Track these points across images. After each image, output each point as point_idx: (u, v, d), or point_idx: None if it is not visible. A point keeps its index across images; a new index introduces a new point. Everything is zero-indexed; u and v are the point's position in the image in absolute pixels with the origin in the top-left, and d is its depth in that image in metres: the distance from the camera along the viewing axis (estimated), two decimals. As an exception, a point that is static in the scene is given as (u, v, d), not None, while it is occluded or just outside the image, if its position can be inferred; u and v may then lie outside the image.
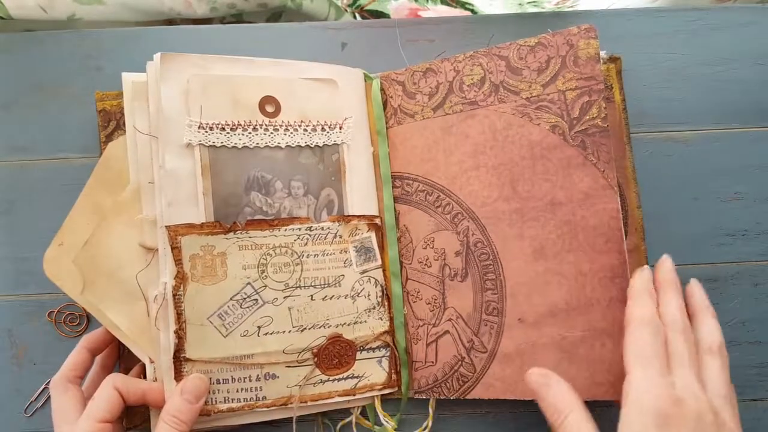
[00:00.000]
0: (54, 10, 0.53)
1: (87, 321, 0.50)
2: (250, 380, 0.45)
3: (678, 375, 0.37)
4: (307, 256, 0.47)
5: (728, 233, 0.51)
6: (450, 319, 0.48)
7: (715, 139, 0.52)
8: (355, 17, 0.66)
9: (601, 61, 0.50)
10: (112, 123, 0.50)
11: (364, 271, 0.48)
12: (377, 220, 0.49)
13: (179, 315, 0.43)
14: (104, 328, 0.45)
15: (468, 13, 0.62)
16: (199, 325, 0.43)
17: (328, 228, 0.47)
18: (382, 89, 0.51)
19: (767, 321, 0.50)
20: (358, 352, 0.48)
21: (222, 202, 0.45)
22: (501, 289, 0.46)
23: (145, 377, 0.45)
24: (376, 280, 0.49)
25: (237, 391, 0.44)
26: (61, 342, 0.49)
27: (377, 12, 0.65)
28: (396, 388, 0.49)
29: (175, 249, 0.43)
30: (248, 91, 0.46)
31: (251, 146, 0.46)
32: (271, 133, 0.47)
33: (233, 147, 0.45)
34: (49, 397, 0.43)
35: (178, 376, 0.43)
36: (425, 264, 0.49)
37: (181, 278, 0.43)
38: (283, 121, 0.47)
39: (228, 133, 0.45)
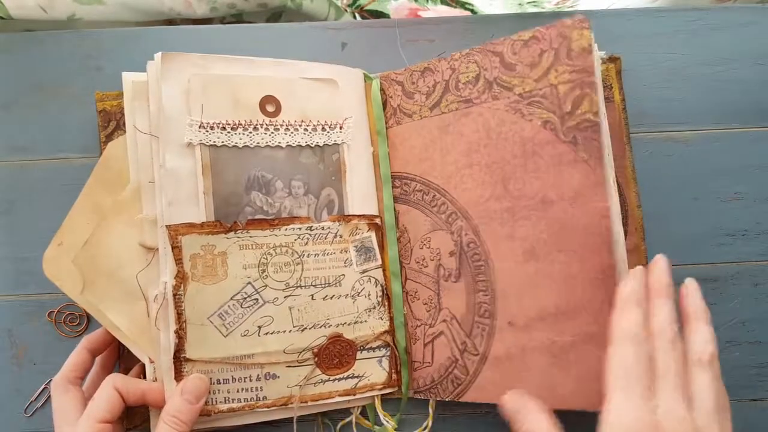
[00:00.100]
0: (54, 10, 0.53)
1: (87, 321, 0.50)
2: (251, 380, 0.45)
3: (662, 398, 0.34)
4: (308, 256, 0.47)
5: (728, 233, 0.51)
6: (445, 320, 0.48)
7: (715, 139, 0.52)
8: (355, 17, 0.66)
9: (601, 61, 0.50)
10: (112, 123, 0.50)
11: (364, 271, 0.48)
12: (377, 220, 0.49)
13: (179, 315, 0.43)
14: (105, 328, 0.45)
15: (468, 13, 0.62)
16: (199, 324, 0.43)
17: (329, 228, 0.47)
18: (381, 89, 0.51)
19: (767, 321, 0.50)
20: (359, 352, 0.48)
21: (222, 202, 0.45)
22: (492, 291, 0.46)
23: (144, 377, 0.45)
24: (376, 279, 0.49)
25: (237, 391, 0.44)
26: (61, 342, 0.49)
27: (377, 12, 0.65)
28: (396, 388, 0.49)
29: (176, 248, 0.43)
30: (249, 91, 0.46)
31: (252, 146, 0.46)
32: (272, 132, 0.47)
33: (234, 146, 0.45)
34: (49, 397, 0.43)
35: (179, 376, 0.43)
36: (422, 264, 0.49)
37: (181, 278, 0.43)
38: (283, 121, 0.47)
39: (228, 132, 0.45)
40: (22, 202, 0.51)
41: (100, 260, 0.45)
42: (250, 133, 0.46)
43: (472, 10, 0.62)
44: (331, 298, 0.47)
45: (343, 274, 0.48)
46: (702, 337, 0.37)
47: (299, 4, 0.60)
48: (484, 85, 0.46)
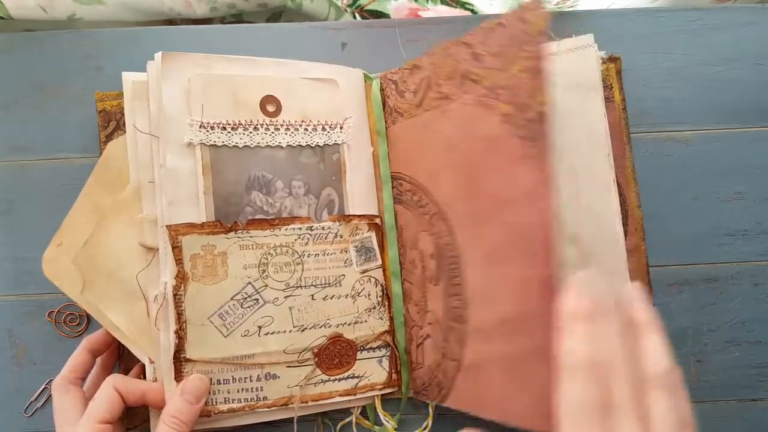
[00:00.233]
0: (54, 10, 0.53)
1: (87, 321, 0.50)
2: (251, 380, 0.45)
3: (616, 430, 0.31)
4: (308, 256, 0.46)
5: (728, 233, 0.51)
6: (431, 323, 0.47)
7: (715, 139, 0.52)
8: (355, 17, 0.66)
9: (601, 61, 0.50)
10: (112, 123, 0.50)
11: (364, 271, 0.48)
12: (377, 220, 0.49)
13: (180, 315, 0.43)
14: (105, 329, 0.45)
15: (468, 13, 0.62)
16: (199, 325, 0.43)
17: (329, 228, 0.47)
18: (381, 89, 0.51)
19: (767, 321, 0.50)
20: (359, 352, 0.48)
21: (223, 202, 0.45)
22: (464, 295, 0.44)
23: (144, 378, 0.45)
24: (376, 279, 0.49)
25: (237, 391, 0.44)
26: (61, 342, 0.49)
27: (377, 12, 0.65)
28: (396, 388, 0.49)
29: (176, 248, 0.43)
30: (249, 91, 0.46)
31: (252, 146, 0.46)
32: (272, 132, 0.47)
33: (234, 146, 0.45)
34: (50, 397, 0.43)
35: (179, 376, 0.43)
36: (414, 265, 0.49)
37: (181, 278, 0.43)
38: (283, 121, 0.47)
39: (229, 132, 0.45)
40: (22, 202, 0.51)
41: (100, 260, 0.45)
42: (251, 133, 0.46)
43: (472, 10, 0.62)
44: (332, 298, 0.47)
45: (344, 274, 0.48)
46: (654, 351, 0.33)
47: (299, 4, 0.60)
48: (459, 79, 0.44)
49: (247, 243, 0.45)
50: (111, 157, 0.47)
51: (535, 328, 0.38)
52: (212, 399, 0.44)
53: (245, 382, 0.44)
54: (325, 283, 0.47)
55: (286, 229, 0.46)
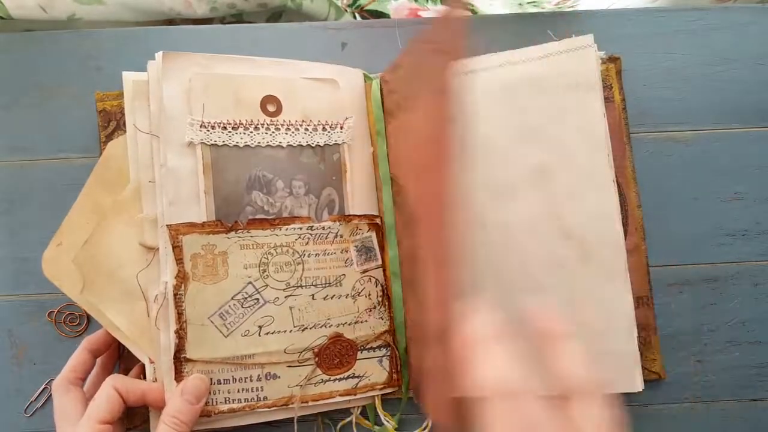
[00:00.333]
0: (54, 10, 0.53)
1: (87, 321, 0.50)
2: (251, 380, 0.44)
3: None
4: (308, 256, 0.46)
5: (728, 233, 0.51)
6: (410, 326, 0.48)
7: (715, 139, 0.52)
8: (355, 17, 0.66)
9: (601, 61, 0.50)
10: (112, 123, 0.50)
11: (364, 271, 0.48)
12: (377, 220, 0.49)
13: (180, 315, 0.43)
14: (105, 329, 0.45)
15: (468, 13, 0.62)
16: (200, 324, 0.43)
17: (329, 227, 0.47)
18: (381, 89, 0.51)
19: (767, 321, 0.50)
20: (359, 352, 0.48)
21: (223, 201, 0.45)
22: (419, 301, 0.43)
23: (144, 378, 0.45)
24: (376, 279, 0.49)
25: (238, 391, 0.44)
26: (61, 342, 0.49)
27: (377, 12, 0.65)
28: (396, 388, 0.49)
29: (177, 248, 0.43)
30: (250, 91, 0.46)
31: (253, 145, 0.46)
32: (273, 132, 0.47)
33: (235, 146, 0.45)
34: (50, 397, 0.43)
35: (179, 376, 0.43)
36: (403, 266, 0.49)
37: (182, 277, 0.43)
38: (284, 121, 0.47)
39: (230, 132, 0.45)
40: (22, 202, 0.51)
41: (100, 260, 0.45)
42: (251, 132, 0.46)
43: (472, 10, 0.62)
44: (332, 298, 0.47)
45: (344, 274, 0.48)
46: (570, 361, 0.32)
47: (299, 4, 0.60)
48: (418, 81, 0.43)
49: (248, 243, 0.45)
50: (111, 156, 0.47)
51: (436, 346, 0.36)
52: (212, 399, 0.44)
53: (245, 382, 0.44)
54: (326, 283, 0.47)
55: (287, 229, 0.46)
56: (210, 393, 0.43)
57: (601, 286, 0.45)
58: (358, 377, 0.47)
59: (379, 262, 0.49)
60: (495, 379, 0.29)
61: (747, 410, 0.49)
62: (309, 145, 0.48)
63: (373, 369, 0.48)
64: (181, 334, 0.43)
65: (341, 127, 0.49)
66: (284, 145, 0.47)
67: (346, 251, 0.48)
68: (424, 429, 0.49)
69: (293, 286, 0.46)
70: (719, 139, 0.52)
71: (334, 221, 0.47)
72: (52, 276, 0.45)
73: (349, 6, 0.65)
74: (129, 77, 0.47)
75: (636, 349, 0.44)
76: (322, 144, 0.48)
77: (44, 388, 0.49)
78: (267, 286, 0.45)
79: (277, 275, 0.45)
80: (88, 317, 0.50)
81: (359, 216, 0.48)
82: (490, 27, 0.53)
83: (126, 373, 0.47)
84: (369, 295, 0.48)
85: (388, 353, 0.49)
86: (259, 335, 0.45)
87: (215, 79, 0.45)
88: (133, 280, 0.45)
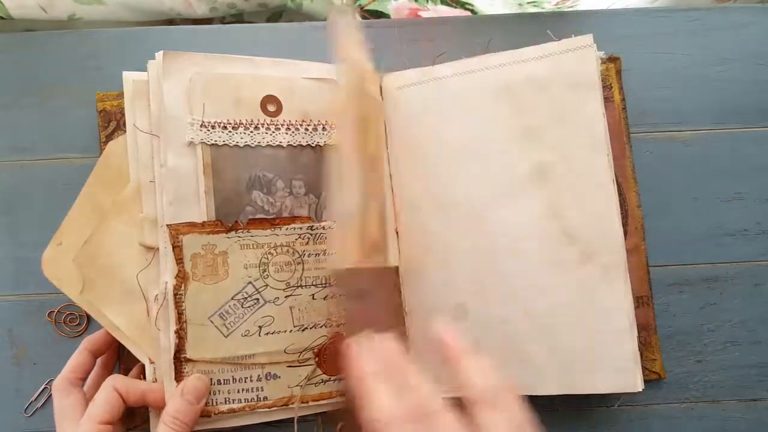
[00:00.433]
0: (54, 10, 0.53)
1: (87, 321, 0.50)
2: (251, 380, 0.44)
3: None
4: (309, 256, 0.46)
5: (728, 233, 0.51)
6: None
7: (715, 139, 0.52)
8: (355, 17, 0.66)
9: (601, 61, 0.50)
10: (112, 123, 0.50)
11: (365, 271, 0.48)
12: (378, 220, 0.49)
13: (180, 315, 0.43)
14: (105, 329, 0.45)
15: (468, 13, 0.62)
16: (200, 324, 0.43)
17: (330, 227, 0.47)
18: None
19: (767, 321, 0.50)
20: (359, 352, 0.48)
21: (223, 201, 0.45)
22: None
23: (144, 378, 0.45)
24: (376, 279, 0.49)
25: (238, 391, 0.44)
26: (61, 342, 0.49)
27: (377, 12, 0.65)
28: (397, 388, 0.49)
29: (177, 248, 0.43)
30: (250, 90, 0.46)
31: (253, 145, 0.46)
32: (273, 132, 0.47)
33: (235, 146, 0.45)
34: (50, 397, 0.43)
35: (179, 376, 0.42)
36: None
37: (182, 277, 0.43)
38: (284, 121, 0.47)
39: (230, 131, 0.45)
40: (22, 202, 0.51)
41: (100, 260, 0.45)
42: (251, 132, 0.46)
43: (472, 10, 0.62)
44: (332, 297, 0.47)
45: (344, 274, 0.48)
46: (473, 372, 0.33)
47: (299, 4, 0.60)
48: None
49: (248, 242, 0.45)
50: (111, 156, 0.47)
51: None
52: (212, 399, 0.44)
53: (246, 382, 0.44)
54: (326, 283, 0.47)
55: (287, 229, 0.46)
56: (210, 393, 0.43)
57: (601, 286, 0.45)
58: (358, 377, 0.47)
59: (379, 262, 0.49)
60: (379, 416, 0.31)
61: (747, 410, 0.49)
62: (309, 144, 0.48)
63: (373, 369, 0.48)
64: (181, 334, 0.43)
65: (341, 127, 0.49)
66: (284, 145, 0.47)
67: (347, 251, 0.48)
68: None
69: (293, 286, 0.46)
70: (719, 139, 0.52)
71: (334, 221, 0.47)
72: (52, 276, 0.45)
73: (349, 6, 0.65)
74: (129, 77, 0.47)
75: (636, 349, 0.44)
76: (322, 144, 0.48)
77: (44, 388, 0.49)
78: (267, 286, 0.45)
79: (278, 275, 0.45)
80: (88, 317, 0.50)
81: (359, 216, 0.48)
82: (490, 27, 0.53)
83: (126, 373, 0.47)
84: (369, 295, 0.48)
85: (388, 353, 0.49)
86: (259, 335, 0.45)
87: (215, 78, 0.45)
88: (133, 280, 0.45)
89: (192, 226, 0.43)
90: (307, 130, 0.48)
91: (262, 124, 0.46)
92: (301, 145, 0.47)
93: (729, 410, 0.49)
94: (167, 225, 0.43)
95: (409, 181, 0.49)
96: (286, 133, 0.47)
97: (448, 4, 0.63)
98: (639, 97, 0.52)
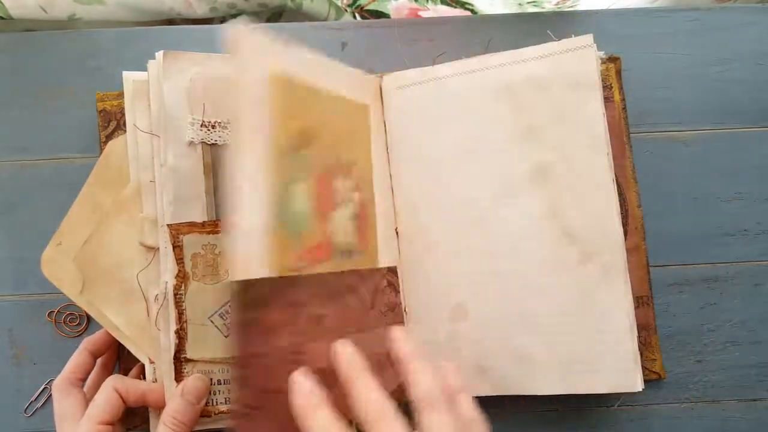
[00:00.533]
0: (54, 9, 0.53)
1: (87, 321, 0.50)
2: (251, 380, 0.44)
3: None
4: (309, 256, 0.46)
5: (728, 233, 0.51)
6: None
7: (715, 139, 0.52)
8: (355, 17, 0.66)
9: (601, 61, 0.50)
10: (112, 123, 0.50)
11: (365, 271, 0.48)
12: (378, 220, 0.49)
13: (180, 314, 0.43)
14: (105, 329, 0.45)
15: (468, 13, 0.62)
16: (200, 324, 0.43)
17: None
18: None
19: (767, 321, 0.50)
20: (359, 352, 0.48)
21: (224, 201, 0.45)
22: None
23: (144, 378, 0.45)
24: (376, 279, 0.49)
25: (238, 391, 0.44)
26: (61, 342, 0.49)
27: (377, 12, 0.65)
28: (397, 388, 0.49)
29: (177, 248, 0.43)
30: (249, 91, 0.46)
31: (253, 145, 0.46)
32: (273, 132, 0.46)
33: (235, 146, 0.45)
34: (50, 397, 0.43)
35: (179, 376, 0.42)
36: None
37: (182, 277, 0.43)
38: (284, 121, 0.47)
39: (230, 131, 0.45)
40: (22, 202, 0.51)
41: (100, 260, 0.45)
42: (251, 132, 0.46)
43: (472, 10, 0.62)
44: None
45: (344, 274, 0.48)
46: (415, 377, 0.33)
47: (299, 4, 0.60)
48: None
49: (248, 243, 0.45)
50: (111, 156, 0.47)
51: None
52: (213, 399, 0.43)
53: (246, 382, 0.44)
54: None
55: (287, 229, 0.46)
56: (210, 393, 0.43)
57: (601, 286, 0.45)
58: (358, 377, 0.47)
59: (380, 262, 0.49)
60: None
61: (747, 410, 0.49)
62: (309, 145, 0.48)
63: (373, 369, 0.48)
64: (181, 334, 0.43)
65: (341, 127, 0.49)
66: (284, 145, 0.47)
67: (347, 251, 0.48)
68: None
69: (293, 286, 0.46)
70: (719, 139, 0.52)
71: (335, 221, 0.47)
72: (52, 276, 0.45)
73: (349, 6, 0.65)
74: (129, 76, 0.46)
75: (636, 349, 0.44)
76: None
77: (44, 388, 0.49)
78: (267, 286, 0.45)
79: (278, 275, 0.45)
80: (88, 317, 0.50)
81: (359, 216, 0.48)
82: (490, 27, 0.53)
83: (126, 373, 0.47)
84: (369, 295, 0.48)
85: (389, 353, 0.49)
86: (260, 335, 0.45)
87: (216, 78, 0.45)
88: (133, 280, 0.45)
89: (192, 226, 0.43)
90: (307, 130, 0.48)
91: (262, 124, 0.46)
92: (301, 145, 0.47)
93: (729, 410, 0.49)
94: (167, 225, 0.43)
95: (409, 181, 0.49)
96: (286, 133, 0.47)
97: (448, 4, 0.63)
98: (639, 97, 0.52)
